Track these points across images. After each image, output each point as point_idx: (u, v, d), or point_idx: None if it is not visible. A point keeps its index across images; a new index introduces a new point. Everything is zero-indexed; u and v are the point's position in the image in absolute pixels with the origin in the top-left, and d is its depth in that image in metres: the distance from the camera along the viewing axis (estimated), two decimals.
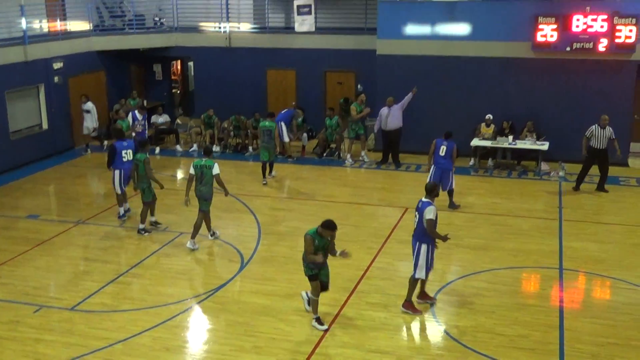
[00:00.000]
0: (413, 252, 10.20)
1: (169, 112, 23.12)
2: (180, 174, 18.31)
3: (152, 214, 13.92)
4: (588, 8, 17.57)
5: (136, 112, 18.60)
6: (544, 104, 18.52)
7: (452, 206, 14.97)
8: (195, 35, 22.98)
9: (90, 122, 20.02)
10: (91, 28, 22.01)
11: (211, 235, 13.26)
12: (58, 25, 21.11)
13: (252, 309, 10.44)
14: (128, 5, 23.55)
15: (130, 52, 22.60)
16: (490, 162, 18.45)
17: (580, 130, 17.82)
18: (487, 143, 18.11)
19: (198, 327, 10.19)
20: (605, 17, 17.34)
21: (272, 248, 12.92)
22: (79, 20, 21.96)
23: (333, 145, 19.76)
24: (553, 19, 17.72)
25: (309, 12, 21.10)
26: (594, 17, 17.45)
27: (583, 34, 17.60)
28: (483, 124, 18.43)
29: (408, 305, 10.29)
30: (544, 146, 17.69)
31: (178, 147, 20.85)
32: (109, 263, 12.25)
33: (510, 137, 17.94)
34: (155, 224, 13.95)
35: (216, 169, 12.64)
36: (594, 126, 15.99)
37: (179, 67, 26.20)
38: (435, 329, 9.94)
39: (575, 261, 12.18)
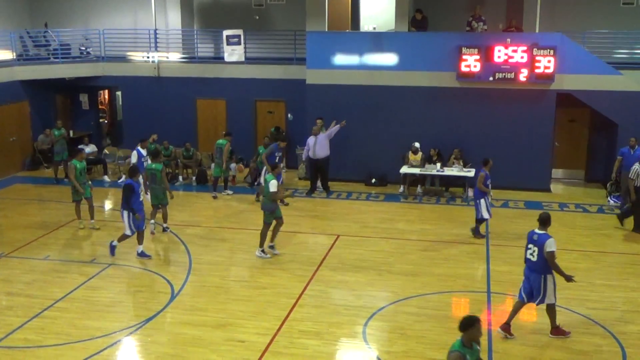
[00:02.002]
0: (538, 285, 10.04)
1: (97, 142, 22.73)
2: (108, 205, 17.90)
3: (165, 220, 15.47)
4: (509, 40, 18.24)
5: (139, 147, 17.08)
6: (470, 132, 19.01)
7: (476, 233, 15.11)
8: (123, 64, 22.72)
9: None
10: (14, 57, 21.53)
11: (270, 248, 14.05)
12: None
13: (183, 340, 10.26)
14: (53, 34, 23.12)
15: (55, 81, 22.16)
16: (419, 189, 18.78)
17: (505, 157, 18.37)
18: (416, 170, 18.44)
19: None
20: (525, 48, 18.01)
21: (203, 278, 12.75)
22: (1, 50, 21.42)
23: None
24: (476, 50, 18.30)
25: (239, 43, 21.23)
26: (515, 48, 18.10)
27: (505, 64, 18.22)
28: (411, 152, 18.76)
29: (556, 331, 10.30)
30: (471, 173, 18.09)
31: (106, 178, 20.48)
32: (33, 297, 11.83)
33: (438, 165, 18.31)
34: (166, 228, 15.49)
35: (273, 186, 13.43)
36: (637, 166, 15.35)
37: (106, 96, 25.81)
38: (367, 356, 9.97)
39: (503, 285, 12.46)
